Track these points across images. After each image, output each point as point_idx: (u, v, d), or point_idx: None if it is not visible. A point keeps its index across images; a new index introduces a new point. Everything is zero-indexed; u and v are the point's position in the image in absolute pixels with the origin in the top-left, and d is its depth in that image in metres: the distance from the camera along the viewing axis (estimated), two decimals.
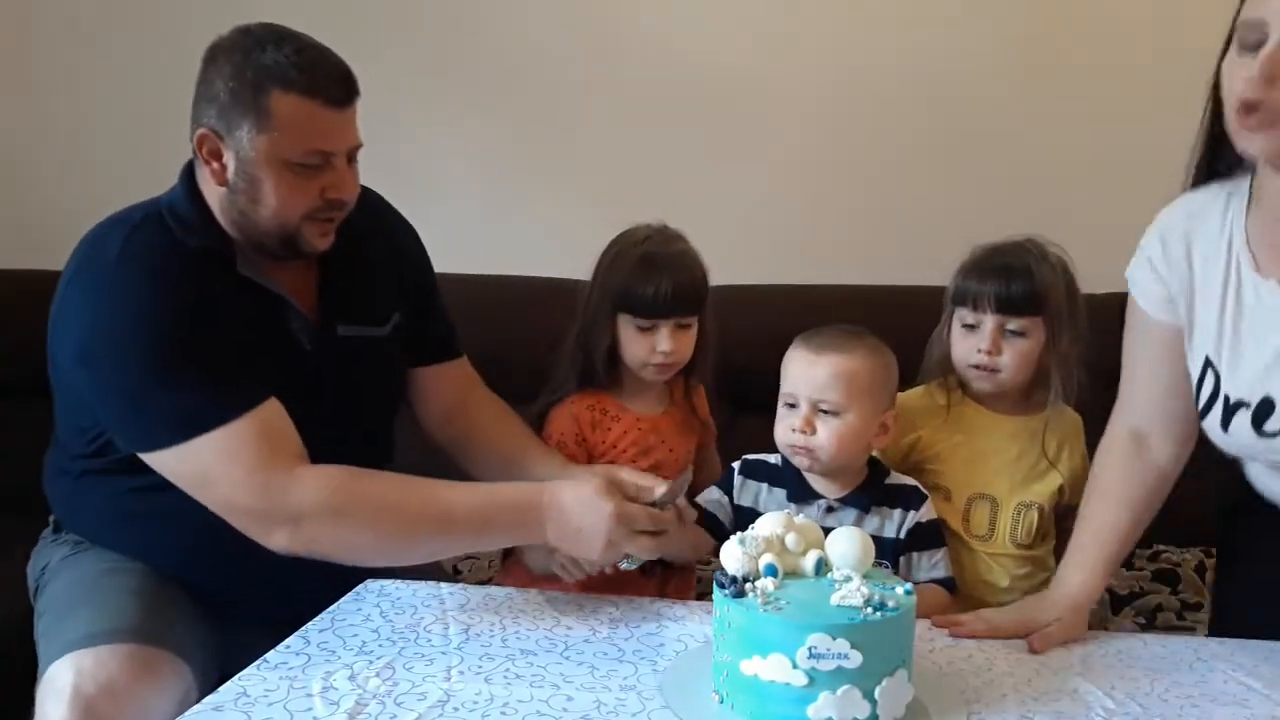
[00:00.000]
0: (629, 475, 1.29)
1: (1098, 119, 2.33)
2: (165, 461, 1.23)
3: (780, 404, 1.41)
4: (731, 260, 2.06)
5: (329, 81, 1.25)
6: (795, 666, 0.96)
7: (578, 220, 2.27)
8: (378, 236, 1.46)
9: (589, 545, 1.23)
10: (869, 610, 0.98)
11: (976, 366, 1.48)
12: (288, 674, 1.07)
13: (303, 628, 1.19)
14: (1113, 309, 2.08)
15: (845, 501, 1.41)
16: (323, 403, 1.33)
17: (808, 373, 1.37)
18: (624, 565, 1.30)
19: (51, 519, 1.50)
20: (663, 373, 1.52)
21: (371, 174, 1.59)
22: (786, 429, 1.39)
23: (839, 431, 1.36)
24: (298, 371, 1.33)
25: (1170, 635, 1.37)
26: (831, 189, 2.40)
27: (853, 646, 0.95)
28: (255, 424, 1.21)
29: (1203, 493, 2.02)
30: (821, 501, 1.40)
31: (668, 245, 1.51)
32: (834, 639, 0.95)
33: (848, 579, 1.03)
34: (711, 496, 1.47)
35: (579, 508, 1.23)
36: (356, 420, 1.40)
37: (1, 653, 1.49)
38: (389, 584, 1.34)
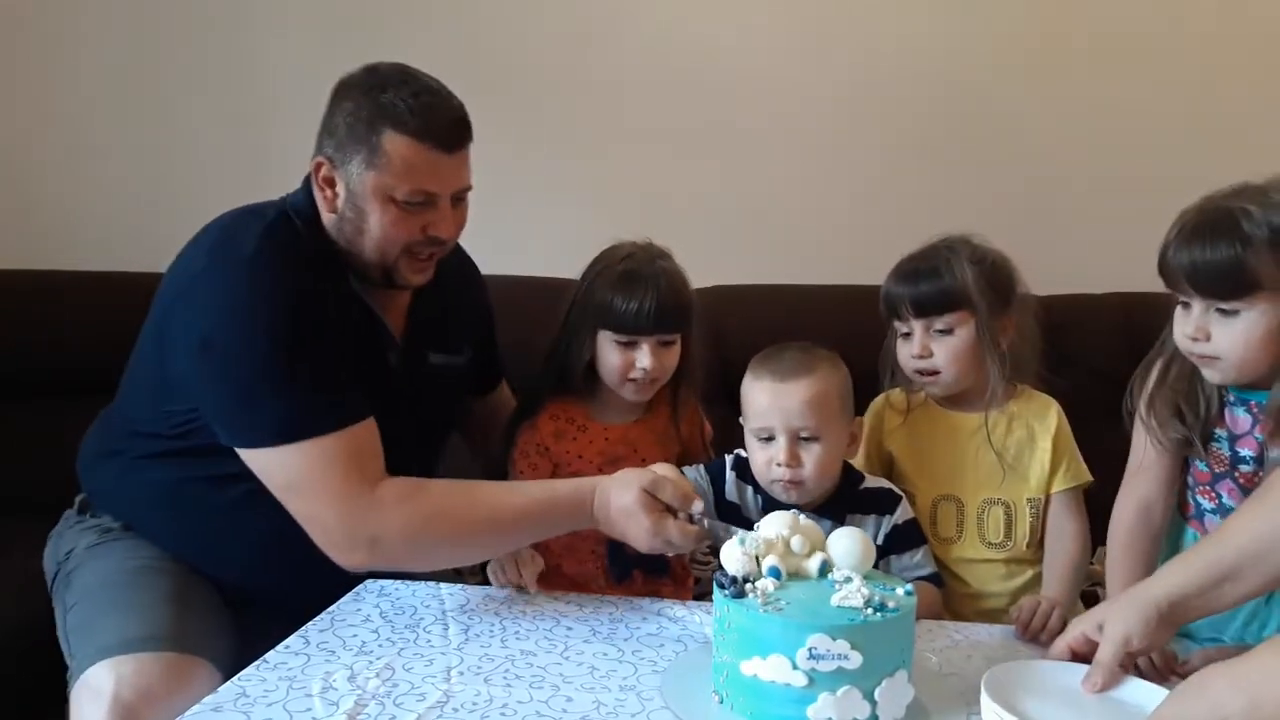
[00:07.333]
0: (670, 492, 1.27)
1: (1097, 120, 2.33)
2: (260, 461, 1.26)
3: (752, 437, 1.39)
4: (727, 260, 2.06)
5: (441, 126, 1.30)
6: (795, 667, 0.96)
7: (573, 220, 2.27)
8: (458, 275, 1.54)
9: (633, 544, 1.29)
10: (869, 611, 0.98)
11: (919, 372, 1.50)
12: (287, 674, 1.06)
13: (302, 628, 1.18)
14: (1112, 308, 2.10)
15: (820, 511, 1.38)
16: (398, 419, 1.37)
17: (778, 402, 1.35)
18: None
19: (78, 499, 1.51)
20: (641, 391, 1.49)
21: None
22: (769, 464, 1.36)
23: (821, 457, 1.35)
24: (382, 389, 1.37)
25: None
26: (829, 189, 2.39)
27: (853, 647, 0.95)
28: (349, 441, 1.25)
29: None
30: (796, 512, 1.38)
31: (650, 262, 1.47)
32: (834, 640, 0.95)
33: (848, 580, 1.03)
34: (695, 478, 1.44)
35: (621, 517, 1.28)
36: (423, 438, 1.49)
37: (2, 649, 1.49)
38: (389, 584, 1.34)
